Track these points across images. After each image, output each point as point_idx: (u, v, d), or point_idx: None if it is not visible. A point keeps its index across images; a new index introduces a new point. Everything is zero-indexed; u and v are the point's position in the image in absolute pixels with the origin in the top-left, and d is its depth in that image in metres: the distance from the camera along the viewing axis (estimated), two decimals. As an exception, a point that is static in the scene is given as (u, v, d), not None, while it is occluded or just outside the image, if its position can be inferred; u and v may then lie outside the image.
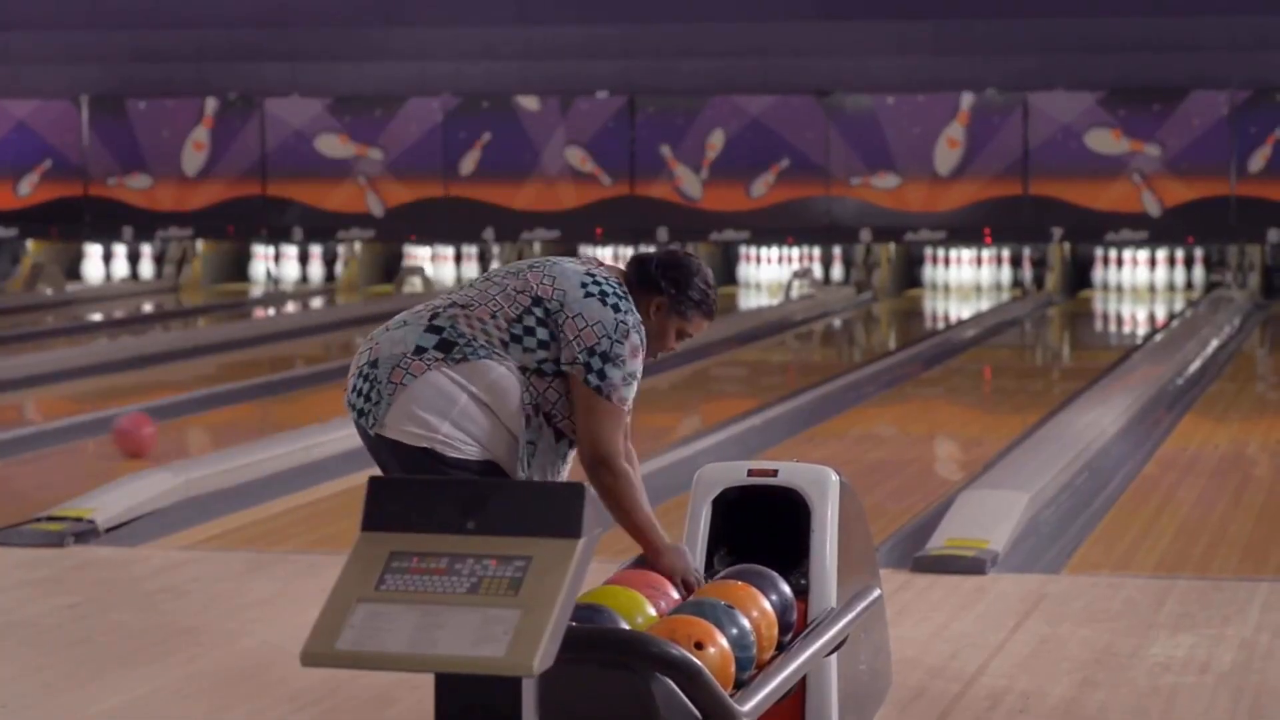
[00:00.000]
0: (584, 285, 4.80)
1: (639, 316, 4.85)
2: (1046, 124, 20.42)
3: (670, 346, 4.98)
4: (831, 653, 5.02)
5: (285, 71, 22.29)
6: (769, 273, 21.82)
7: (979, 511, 8.21)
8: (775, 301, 20.45)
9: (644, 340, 4.86)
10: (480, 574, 3.75)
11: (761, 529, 5.31)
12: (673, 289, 4.91)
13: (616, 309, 4.79)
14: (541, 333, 4.78)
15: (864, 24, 21.34)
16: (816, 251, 21.77)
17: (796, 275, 21.22)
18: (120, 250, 23.04)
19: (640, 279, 4.92)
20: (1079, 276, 21.28)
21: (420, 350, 4.78)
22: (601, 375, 4.76)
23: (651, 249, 21.57)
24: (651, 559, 4.88)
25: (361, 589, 3.77)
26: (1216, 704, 5.80)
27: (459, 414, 4.77)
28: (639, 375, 4.84)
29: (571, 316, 4.77)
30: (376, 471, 4.98)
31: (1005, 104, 20.51)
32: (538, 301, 4.79)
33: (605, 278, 4.86)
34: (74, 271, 23.04)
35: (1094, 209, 20.39)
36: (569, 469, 4.96)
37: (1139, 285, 20.98)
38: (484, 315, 4.79)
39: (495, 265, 4.64)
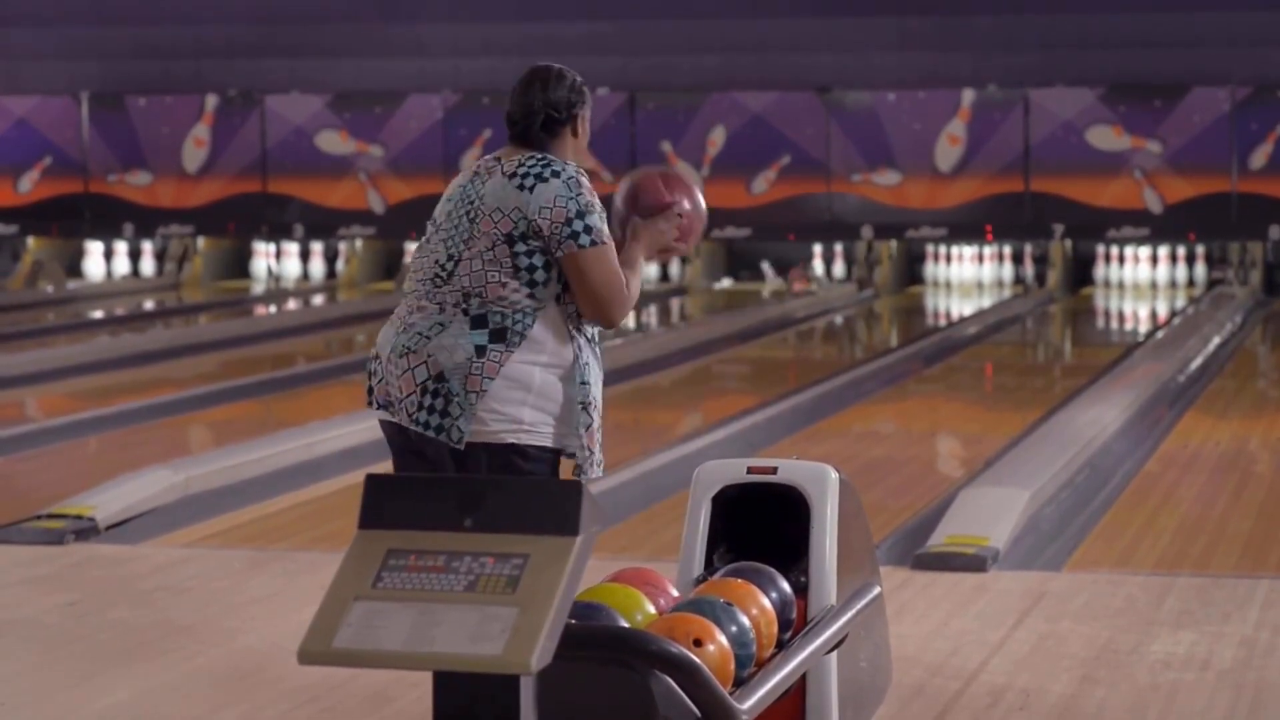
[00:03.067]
0: (517, 186, 4.84)
1: (567, 162, 4.89)
2: (1047, 120, 20.41)
3: (584, 147, 5.05)
4: (831, 650, 5.01)
5: (285, 68, 22.29)
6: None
7: (979, 509, 8.20)
8: (771, 282, 20.45)
9: (586, 175, 4.92)
10: (478, 572, 3.74)
11: (761, 526, 5.30)
12: (575, 100, 4.95)
13: (555, 173, 4.84)
14: (537, 258, 4.82)
15: (864, 20, 21.33)
16: (818, 248, 21.77)
17: (794, 271, 21.22)
18: (121, 247, 23.04)
19: (548, 124, 4.93)
20: (1080, 273, 21.28)
21: (481, 350, 4.78)
22: (588, 229, 4.83)
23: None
24: (640, 250, 5.04)
25: (358, 587, 3.76)
26: (1217, 701, 5.79)
27: (536, 395, 4.82)
28: (600, 206, 4.90)
29: (536, 215, 4.81)
30: (375, 469, 4.97)
31: (1006, 100, 20.51)
32: (509, 239, 4.82)
33: (519, 163, 4.87)
34: (75, 268, 23.04)
35: (1095, 206, 20.38)
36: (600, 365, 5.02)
37: (1140, 282, 20.97)
38: (498, 289, 4.80)
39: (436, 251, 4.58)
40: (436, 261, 4.88)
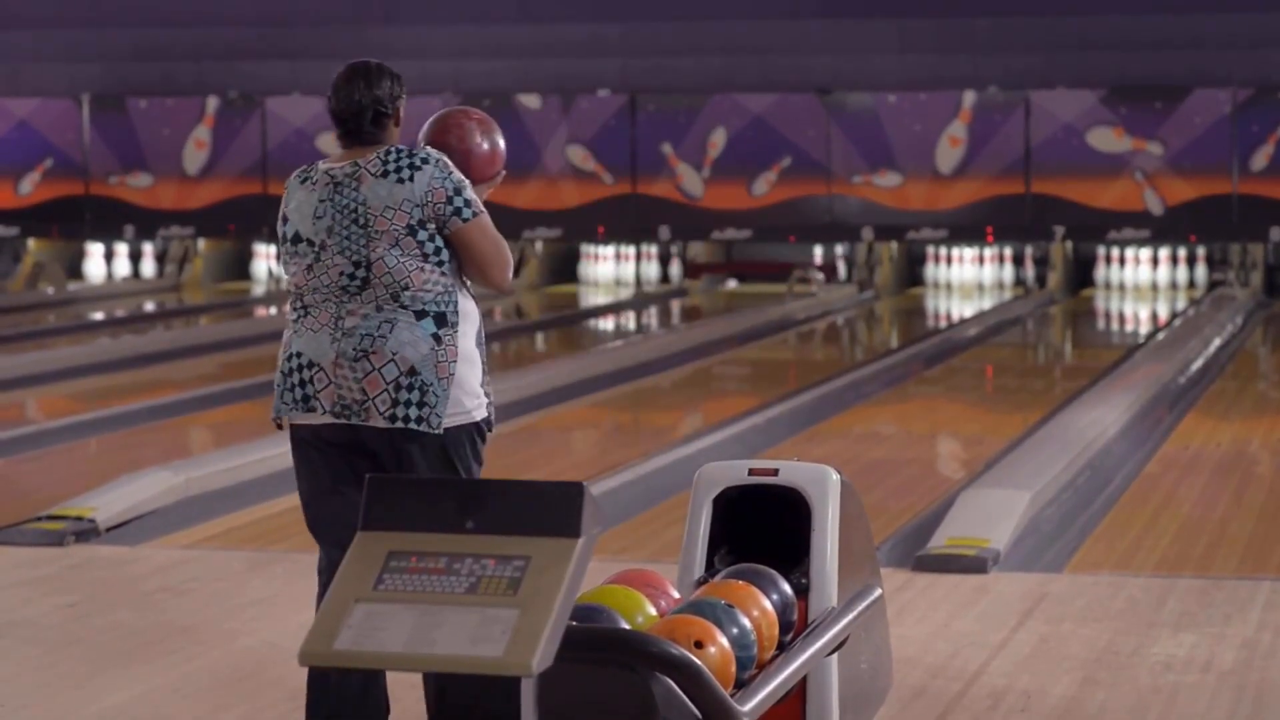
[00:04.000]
0: (396, 181, 4.98)
1: (422, 145, 5.12)
2: (1048, 122, 20.40)
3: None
4: (832, 652, 5.01)
5: (286, 70, 22.28)
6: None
7: (980, 510, 8.20)
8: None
9: (441, 151, 5.11)
10: (479, 573, 3.74)
11: (762, 528, 5.30)
12: (397, 91, 5.15)
13: (424, 160, 5.02)
14: (438, 240, 5.02)
15: (865, 22, 21.32)
16: (818, 249, 21.76)
17: (797, 271, 21.22)
18: (122, 249, 23.03)
19: (377, 119, 5.09)
20: (1081, 275, 21.27)
21: (437, 338, 4.97)
22: (467, 203, 5.01)
23: (653, 248, 21.71)
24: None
25: (359, 589, 3.75)
26: (1218, 703, 5.79)
27: (478, 365, 5.07)
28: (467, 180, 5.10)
29: (425, 200, 4.98)
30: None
31: (1007, 102, 20.50)
32: (410, 230, 4.98)
33: (381, 161, 5.02)
34: (75, 270, 23.03)
35: (1096, 207, 20.37)
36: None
37: (1141, 284, 20.97)
38: (420, 275, 4.98)
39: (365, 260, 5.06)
40: (342, 273, 5.03)
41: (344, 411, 4.98)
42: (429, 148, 5.07)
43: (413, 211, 4.96)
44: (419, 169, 4.98)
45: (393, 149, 5.03)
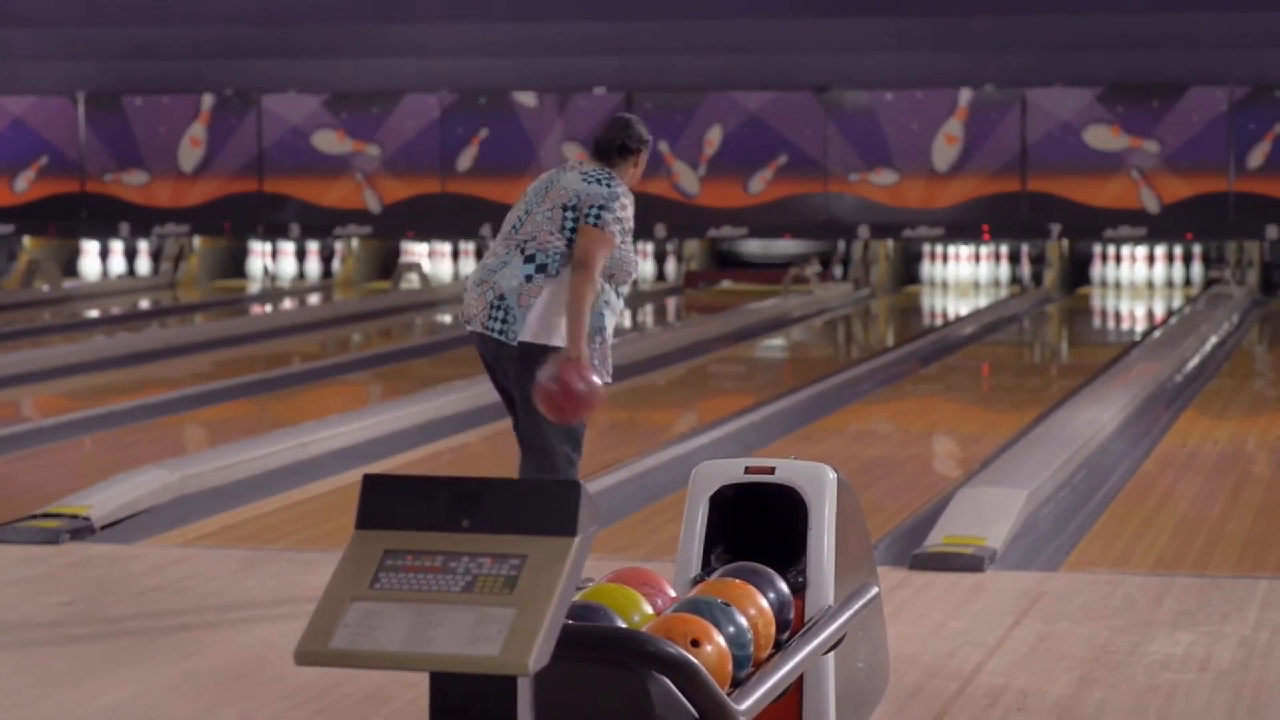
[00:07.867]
0: (584, 179, 6.84)
1: (624, 185, 6.87)
2: (1045, 120, 20.40)
3: (638, 177, 7.08)
4: (829, 651, 5.00)
5: (282, 68, 22.27)
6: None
7: (977, 509, 8.19)
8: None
9: (629, 198, 6.86)
10: (475, 572, 3.73)
11: (759, 526, 5.29)
12: (644, 140, 6.97)
13: (609, 184, 6.85)
14: (575, 223, 6.75)
15: (862, 20, 21.32)
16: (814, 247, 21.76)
17: (794, 269, 21.21)
18: (117, 247, 23.03)
19: (621, 150, 6.92)
20: (1077, 273, 21.27)
21: (529, 278, 6.75)
22: (598, 217, 6.78)
23: (649, 247, 21.71)
24: (568, 350, 6.68)
25: (355, 587, 3.74)
26: (1215, 701, 5.78)
27: (599, 339, 6.74)
28: (626, 222, 6.82)
29: (585, 198, 6.79)
30: (372, 469, 4.97)
31: (1003, 100, 20.50)
32: (565, 208, 6.79)
33: (592, 170, 6.88)
34: (71, 268, 23.02)
35: (1092, 205, 20.38)
36: (620, 304, 6.94)
37: (1137, 282, 20.97)
38: (547, 236, 6.77)
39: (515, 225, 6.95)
40: (518, 217, 6.90)
41: (468, 322, 6.84)
42: (623, 184, 6.86)
43: (572, 197, 6.79)
44: (599, 184, 6.83)
45: (607, 170, 6.88)
